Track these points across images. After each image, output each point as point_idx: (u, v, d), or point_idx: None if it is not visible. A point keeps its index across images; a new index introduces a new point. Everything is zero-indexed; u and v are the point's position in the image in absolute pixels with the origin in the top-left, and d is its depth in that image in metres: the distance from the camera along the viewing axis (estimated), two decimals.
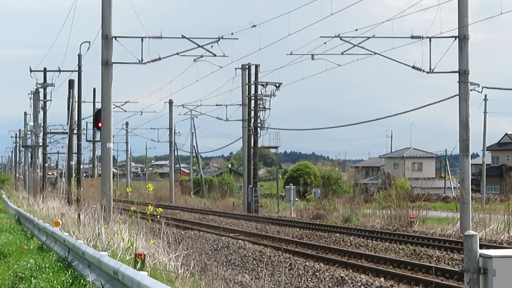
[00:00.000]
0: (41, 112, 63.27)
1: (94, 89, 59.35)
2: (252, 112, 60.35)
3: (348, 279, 20.36)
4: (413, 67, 33.52)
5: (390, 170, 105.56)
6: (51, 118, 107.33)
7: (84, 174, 75.23)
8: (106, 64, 30.12)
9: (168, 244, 17.75)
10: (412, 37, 33.63)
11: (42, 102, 62.33)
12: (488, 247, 26.41)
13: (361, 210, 51.26)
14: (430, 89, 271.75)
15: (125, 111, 77.50)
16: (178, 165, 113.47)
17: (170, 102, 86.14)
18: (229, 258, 26.55)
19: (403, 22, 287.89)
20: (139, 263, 13.34)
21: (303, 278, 21.04)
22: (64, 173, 65.46)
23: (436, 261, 25.69)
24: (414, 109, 55.89)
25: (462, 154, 33.21)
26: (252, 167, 61.40)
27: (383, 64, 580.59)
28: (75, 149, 53.72)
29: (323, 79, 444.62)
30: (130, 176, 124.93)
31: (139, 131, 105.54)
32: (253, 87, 60.55)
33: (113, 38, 30.21)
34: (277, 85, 58.46)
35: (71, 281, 15.49)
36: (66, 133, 55.95)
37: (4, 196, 65.54)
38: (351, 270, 23.01)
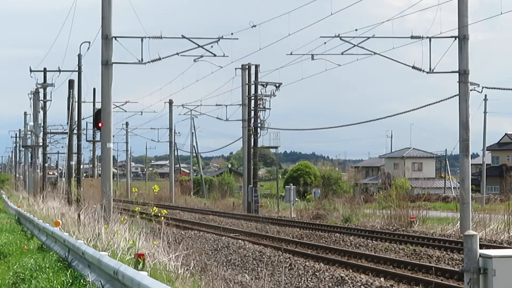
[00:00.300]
0: (41, 112, 63.28)
1: (94, 89, 59.46)
2: (252, 112, 60.35)
3: (348, 279, 20.36)
4: (413, 67, 33.51)
5: (390, 170, 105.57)
6: (51, 118, 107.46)
7: (84, 174, 75.24)
8: (106, 64, 30.12)
9: (168, 244, 17.75)
10: (412, 37, 33.63)
11: (42, 102, 62.34)
12: (488, 247, 26.41)
13: (361, 210, 51.26)
14: (430, 89, 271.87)
15: (125, 111, 77.62)
16: (178, 165, 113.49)
17: (170, 102, 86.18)
18: (229, 258, 26.55)
19: (403, 22, 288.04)
20: (140, 263, 13.34)
21: (303, 278, 21.05)
22: (64, 173, 65.44)
23: (436, 261, 25.68)
24: (414, 109, 56.03)
25: (462, 154, 33.21)
26: (252, 167, 61.40)
27: (383, 64, 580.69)
28: (75, 149, 53.73)
29: (323, 79, 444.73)
30: (130, 176, 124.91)
31: (139, 131, 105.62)
32: (253, 87, 60.55)
33: (113, 38, 30.21)
34: (277, 85, 58.47)
35: (71, 281, 15.49)
36: (66, 133, 55.95)
37: (4, 196, 65.55)
38: (351, 270, 23.01)
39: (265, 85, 59.27)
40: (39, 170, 67.13)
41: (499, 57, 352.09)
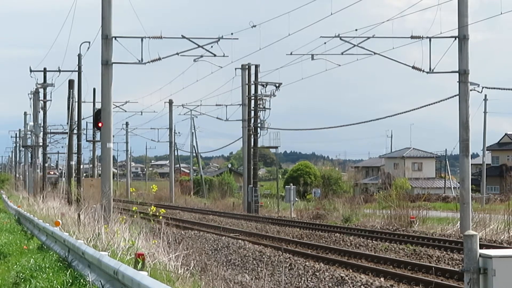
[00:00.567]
0: (41, 112, 63.28)
1: (94, 89, 59.47)
2: (252, 112, 60.35)
3: (348, 279, 20.36)
4: (413, 67, 33.51)
5: (390, 170, 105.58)
6: (51, 118, 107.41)
7: (84, 174, 75.22)
8: (106, 64, 30.12)
9: (168, 244, 17.75)
10: (412, 37, 33.62)
11: (42, 102, 62.34)
12: (488, 247, 26.41)
13: (361, 210, 51.26)
14: (430, 89, 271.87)
15: (125, 111, 77.64)
16: (178, 165, 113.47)
17: (170, 102, 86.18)
18: (229, 258, 26.55)
19: (403, 22, 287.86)
20: (140, 263, 13.34)
21: (303, 278, 21.05)
22: (64, 173, 65.44)
23: (436, 261, 25.69)
24: (414, 109, 55.93)
25: (462, 154, 33.20)
26: (252, 167, 61.40)
27: (383, 64, 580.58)
28: (75, 149, 53.72)
29: (323, 79, 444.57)
30: (130, 176, 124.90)
31: (139, 131, 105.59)
32: (253, 87, 60.55)
33: (113, 38, 30.20)
34: (277, 85, 58.47)
35: (71, 281, 15.49)
36: (66, 133, 55.95)
37: (4, 196, 65.54)
38: (351, 270, 23.01)
39: (265, 85, 59.27)
40: (39, 170, 67.14)
41: (499, 57, 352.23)
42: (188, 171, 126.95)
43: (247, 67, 62.47)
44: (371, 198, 65.93)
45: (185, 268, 15.29)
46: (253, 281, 19.35)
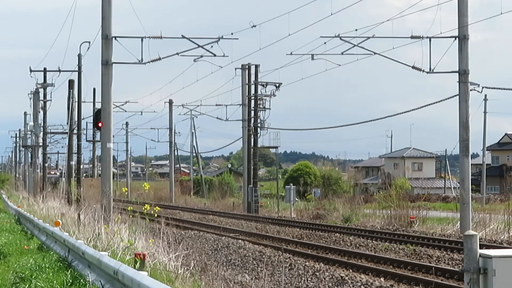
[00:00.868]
0: (41, 112, 63.28)
1: (94, 89, 59.49)
2: (252, 112, 60.36)
3: (348, 279, 20.36)
4: (413, 67, 33.51)
5: (390, 170, 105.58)
6: (51, 118, 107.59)
7: (84, 174, 75.25)
8: (106, 64, 30.11)
9: (168, 244, 17.75)
10: (412, 37, 33.62)
11: (42, 102, 62.34)
12: (488, 247, 26.41)
13: (361, 210, 51.25)
14: (430, 89, 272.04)
15: (125, 111, 77.68)
16: (178, 165, 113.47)
17: (170, 102, 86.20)
18: (229, 258, 26.55)
19: (403, 22, 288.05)
20: (138, 263, 13.34)
21: (303, 278, 21.05)
22: (64, 173, 65.46)
23: (436, 261, 25.69)
24: (414, 109, 56.00)
25: (462, 154, 33.20)
26: (252, 167, 61.40)
27: (383, 64, 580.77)
28: (75, 149, 53.72)
29: (323, 79, 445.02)
30: (130, 176, 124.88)
31: (139, 131, 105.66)
32: (253, 87, 60.55)
33: (113, 38, 30.19)
34: (277, 85, 58.48)
35: (71, 281, 15.48)
36: (66, 133, 55.95)
37: (4, 196, 65.54)
38: (351, 270, 23.01)
39: (265, 85, 59.28)
40: (39, 170, 67.14)
41: (499, 57, 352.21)
42: (188, 171, 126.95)
43: (247, 67, 62.48)
44: (371, 198, 65.91)
45: (185, 268, 15.29)
46: (253, 281, 19.36)
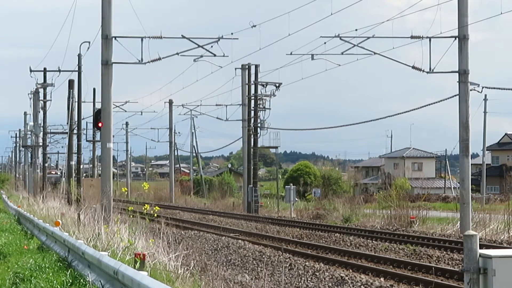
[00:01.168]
0: (41, 112, 63.29)
1: (94, 89, 59.44)
2: (252, 112, 60.36)
3: (348, 279, 20.36)
4: (413, 67, 33.51)
5: (390, 170, 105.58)
6: (51, 118, 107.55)
7: (84, 174, 75.24)
8: (106, 64, 30.11)
9: (168, 244, 17.75)
10: (412, 37, 33.62)
11: (42, 102, 62.34)
12: (488, 247, 26.41)
13: (361, 210, 51.26)
14: (430, 89, 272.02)
15: (125, 111, 77.68)
16: (178, 165, 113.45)
17: (170, 102, 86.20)
18: (229, 258, 26.55)
19: (403, 22, 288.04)
20: (137, 263, 13.34)
21: (303, 278, 21.05)
22: (64, 173, 65.45)
23: (436, 261, 25.69)
24: (414, 109, 56.04)
25: (462, 154, 33.20)
26: (252, 167, 61.40)
27: (383, 64, 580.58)
28: (75, 149, 53.72)
29: (323, 79, 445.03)
30: (130, 176, 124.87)
31: (139, 131, 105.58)
32: (253, 87, 60.55)
33: (113, 38, 30.19)
34: (277, 85, 58.48)
35: (71, 281, 15.48)
36: (66, 133, 55.95)
37: (4, 196, 65.53)
38: (351, 270, 23.01)
39: (265, 85, 59.28)
40: (39, 170, 67.13)
41: (499, 57, 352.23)
42: (188, 171, 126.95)
43: (247, 67, 62.47)
44: (371, 198, 65.92)
45: (185, 268, 15.29)
46: (253, 281, 19.36)
